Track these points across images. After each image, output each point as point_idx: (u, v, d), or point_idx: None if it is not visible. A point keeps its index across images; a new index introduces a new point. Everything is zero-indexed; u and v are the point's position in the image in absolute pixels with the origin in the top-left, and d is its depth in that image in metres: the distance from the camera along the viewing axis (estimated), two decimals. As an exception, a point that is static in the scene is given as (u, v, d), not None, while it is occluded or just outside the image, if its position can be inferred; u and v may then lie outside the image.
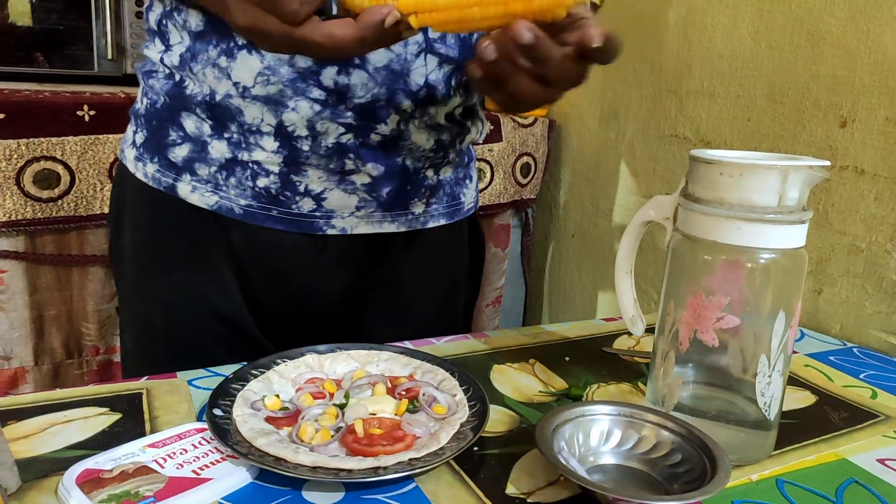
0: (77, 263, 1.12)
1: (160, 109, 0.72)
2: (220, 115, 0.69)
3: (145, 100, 0.74)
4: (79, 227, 1.10)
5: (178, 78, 0.70)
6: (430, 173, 0.76)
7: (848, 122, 0.88)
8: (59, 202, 1.07)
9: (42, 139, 1.04)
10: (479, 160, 1.40)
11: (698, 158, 0.53)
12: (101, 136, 1.08)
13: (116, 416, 0.56)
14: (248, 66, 0.65)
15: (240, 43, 0.65)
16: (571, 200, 1.47)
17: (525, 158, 1.46)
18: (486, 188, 1.43)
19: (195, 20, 0.66)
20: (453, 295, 0.87)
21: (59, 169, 1.06)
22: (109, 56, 1.22)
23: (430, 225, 0.78)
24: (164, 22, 0.69)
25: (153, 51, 0.72)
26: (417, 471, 0.48)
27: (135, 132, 0.75)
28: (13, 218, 1.04)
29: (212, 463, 0.49)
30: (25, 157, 1.03)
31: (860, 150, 0.87)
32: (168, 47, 0.70)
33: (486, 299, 1.53)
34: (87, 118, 1.07)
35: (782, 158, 0.53)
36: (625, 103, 1.27)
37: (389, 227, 0.75)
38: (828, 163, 0.50)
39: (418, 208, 0.76)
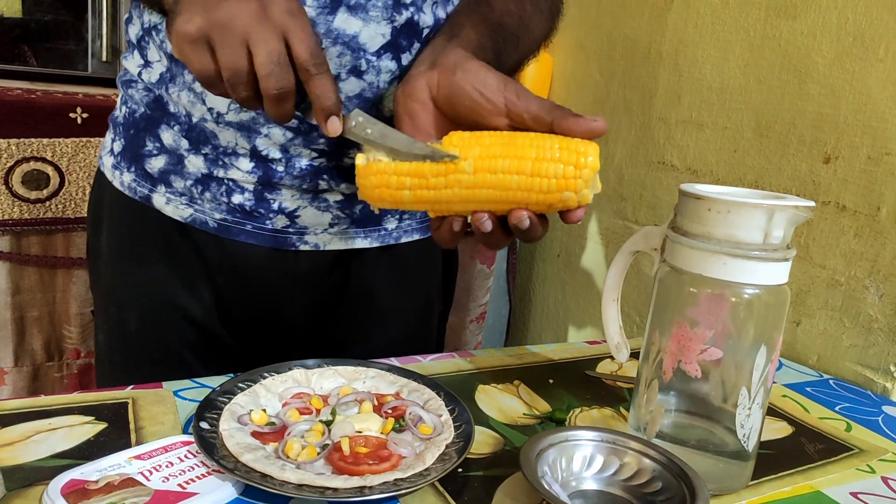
0: (62, 266, 1.11)
1: (138, 119, 0.72)
2: (197, 135, 0.69)
3: (124, 108, 0.74)
4: (65, 230, 1.10)
5: (157, 93, 0.70)
6: None
7: (831, 159, 0.90)
8: (47, 203, 1.07)
9: (33, 140, 1.03)
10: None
11: (687, 193, 0.54)
12: (92, 139, 1.08)
13: (102, 426, 0.56)
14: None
15: None
16: (558, 221, 1.48)
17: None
18: (474, 205, 1.44)
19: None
20: (427, 309, 0.87)
21: (49, 170, 1.06)
22: (104, 58, 1.21)
23: (404, 240, 0.79)
24: (144, 38, 0.70)
25: (132, 63, 0.72)
26: (402, 491, 0.49)
27: (113, 140, 0.76)
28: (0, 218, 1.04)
29: (198, 477, 0.49)
30: (15, 156, 1.03)
31: (842, 187, 0.89)
32: (147, 64, 0.70)
33: (471, 315, 1.53)
34: (79, 120, 1.07)
35: (769, 197, 0.54)
36: (614, 129, 1.29)
37: (362, 243, 0.75)
38: (812, 203, 0.52)
39: (391, 224, 0.77)
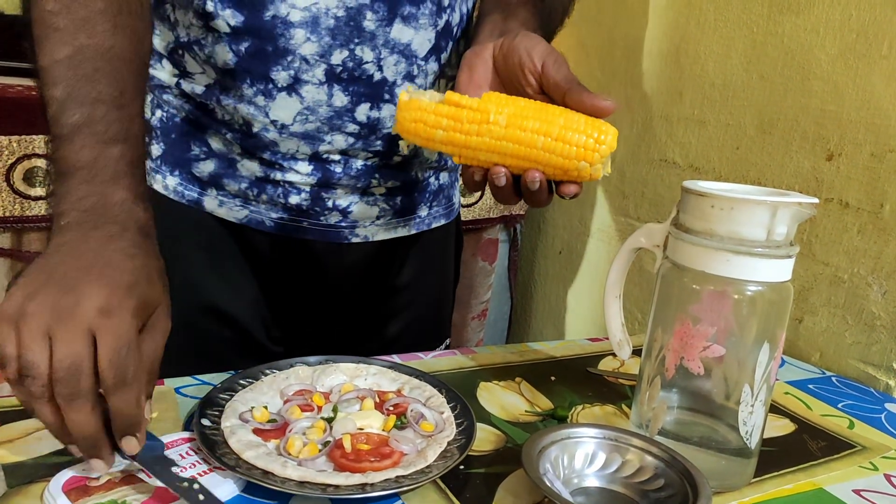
0: (63, 263, 1.11)
1: (180, 124, 0.72)
2: (254, 143, 0.69)
3: (159, 112, 0.73)
4: (67, 227, 1.09)
5: (199, 101, 0.70)
6: (432, 179, 0.81)
7: (834, 156, 0.90)
8: (48, 200, 1.07)
9: (35, 136, 1.03)
10: (470, 174, 1.41)
11: (690, 190, 0.54)
12: (94, 137, 1.08)
13: (103, 423, 0.56)
14: (287, 106, 0.67)
15: (279, 85, 0.66)
16: (560, 218, 1.48)
17: (515, 174, 1.47)
18: (476, 203, 1.44)
19: (223, 58, 0.66)
20: (444, 288, 0.91)
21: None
22: (105, 56, 1.21)
23: (434, 226, 0.83)
24: (178, 51, 0.69)
25: (163, 73, 0.71)
26: (404, 488, 0.49)
27: (148, 143, 0.74)
28: (0, 215, 1.04)
29: (199, 474, 0.49)
30: (17, 153, 1.03)
31: (845, 184, 0.89)
32: (186, 75, 0.69)
33: (472, 312, 1.53)
34: (81, 118, 1.06)
35: (772, 193, 0.54)
36: (616, 125, 1.28)
37: (402, 231, 0.79)
38: (816, 200, 0.51)
39: (424, 212, 0.81)
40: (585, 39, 1.34)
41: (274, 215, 0.73)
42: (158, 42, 0.71)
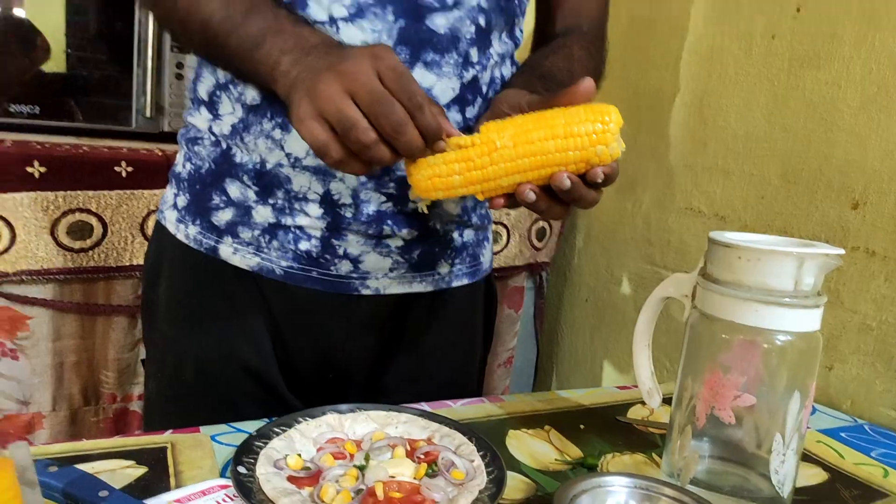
0: (102, 313, 1.14)
1: (204, 175, 0.75)
2: (268, 182, 0.72)
3: (188, 165, 0.77)
4: (107, 278, 1.13)
5: (225, 146, 0.73)
6: (455, 235, 0.80)
7: (860, 205, 0.91)
8: (90, 253, 1.10)
9: (79, 192, 1.07)
10: (495, 223, 1.43)
11: (717, 241, 0.55)
12: (136, 192, 1.12)
13: (142, 470, 0.57)
14: (301, 139, 0.69)
15: None
16: (586, 265, 1.49)
17: (541, 222, 1.49)
18: (501, 250, 1.45)
19: (251, 94, 0.70)
20: (471, 352, 0.89)
21: (93, 221, 1.10)
22: (148, 114, 1.26)
23: (455, 284, 0.81)
24: (216, 93, 0.73)
25: (199, 119, 0.75)
26: (437, 537, 0.49)
27: (176, 195, 0.78)
28: (44, 267, 1.07)
29: (237, 520, 0.50)
30: (62, 208, 1.07)
31: (871, 232, 0.89)
32: (217, 117, 0.73)
33: (498, 360, 1.53)
34: (124, 174, 1.11)
35: (798, 244, 0.55)
36: (642, 175, 1.30)
37: (419, 287, 0.78)
38: (842, 251, 0.52)
39: (444, 269, 0.80)
40: (612, 92, 1.37)
41: (284, 263, 0.73)
42: (202, 88, 0.74)
